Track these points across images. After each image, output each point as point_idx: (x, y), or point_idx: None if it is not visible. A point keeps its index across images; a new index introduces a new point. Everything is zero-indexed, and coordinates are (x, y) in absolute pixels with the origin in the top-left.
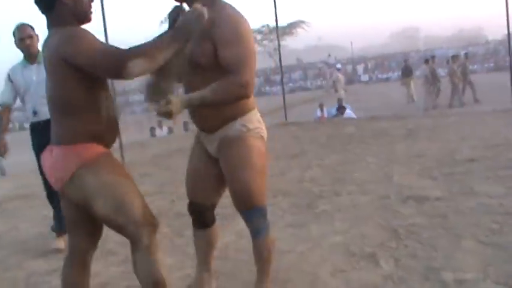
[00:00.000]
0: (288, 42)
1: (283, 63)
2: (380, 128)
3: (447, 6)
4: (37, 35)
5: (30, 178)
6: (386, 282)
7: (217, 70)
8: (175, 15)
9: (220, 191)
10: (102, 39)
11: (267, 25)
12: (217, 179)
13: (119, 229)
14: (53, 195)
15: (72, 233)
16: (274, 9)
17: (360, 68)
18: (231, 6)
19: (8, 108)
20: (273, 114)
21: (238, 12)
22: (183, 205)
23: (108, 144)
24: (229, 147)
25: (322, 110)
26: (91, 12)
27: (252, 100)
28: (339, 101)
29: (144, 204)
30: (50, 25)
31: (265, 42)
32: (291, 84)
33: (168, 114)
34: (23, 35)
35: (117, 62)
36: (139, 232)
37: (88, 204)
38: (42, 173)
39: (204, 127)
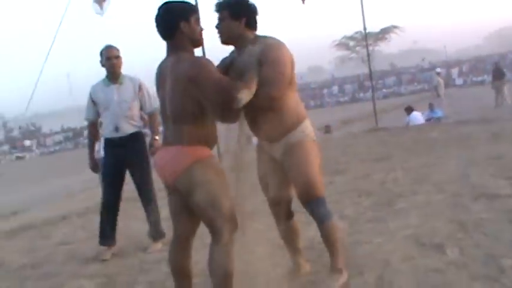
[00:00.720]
0: (382, 47)
1: (377, 69)
2: (464, 131)
3: None
4: (121, 57)
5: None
6: (449, 267)
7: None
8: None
9: (290, 185)
10: None
11: (360, 31)
12: (284, 176)
13: (209, 221)
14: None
15: (176, 222)
16: (362, 15)
17: (455, 72)
18: (271, 36)
19: (94, 124)
20: (364, 120)
21: (278, 40)
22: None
23: (211, 147)
24: (293, 150)
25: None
26: (202, 39)
27: (304, 111)
28: (430, 105)
29: (232, 206)
30: (170, 50)
31: (358, 48)
32: (384, 90)
33: None
34: (110, 55)
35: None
36: (224, 227)
37: (191, 193)
38: (112, 184)
39: (270, 138)
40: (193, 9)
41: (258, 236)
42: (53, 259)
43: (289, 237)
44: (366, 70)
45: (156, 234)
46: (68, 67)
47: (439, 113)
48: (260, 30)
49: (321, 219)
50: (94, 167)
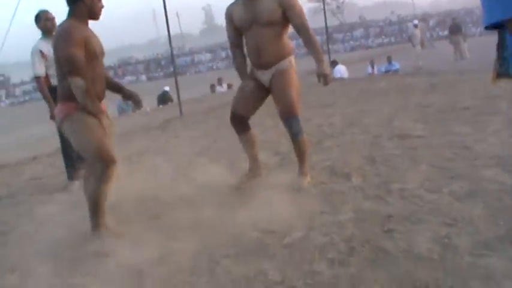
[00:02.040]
0: (356, 0)
1: (347, 21)
2: (407, 82)
3: None
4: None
5: None
6: (350, 190)
7: (279, 24)
8: None
9: (256, 110)
10: None
11: None
12: (257, 101)
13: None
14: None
15: None
16: None
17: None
18: None
19: (46, 77)
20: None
21: None
22: (223, 143)
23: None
24: (281, 75)
25: (372, 67)
26: (100, 14)
27: (292, 47)
28: (388, 58)
29: (98, 148)
30: (68, 15)
31: (328, 0)
32: (352, 42)
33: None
34: (50, 16)
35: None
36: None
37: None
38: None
39: (263, 65)
40: None
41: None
42: (24, 191)
43: (248, 145)
44: (335, 22)
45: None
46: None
47: (396, 65)
48: None
49: (296, 133)
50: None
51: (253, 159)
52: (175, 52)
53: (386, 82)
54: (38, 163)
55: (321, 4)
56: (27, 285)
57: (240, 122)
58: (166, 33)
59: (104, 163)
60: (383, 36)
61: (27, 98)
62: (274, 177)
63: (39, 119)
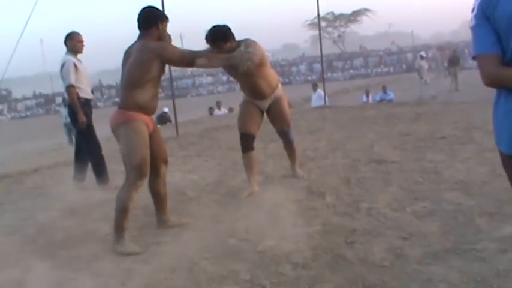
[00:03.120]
0: (356, 29)
1: (348, 50)
2: (395, 112)
3: None
4: None
5: None
6: (322, 207)
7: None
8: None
9: (259, 128)
10: None
11: (332, 12)
12: (260, 122)
13: (124, 164)
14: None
15: None
16: None
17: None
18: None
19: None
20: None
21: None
22: (213, 162)
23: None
24: (278, 101)
25: (367, 96)
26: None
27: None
28: (383, 87)
29: (142, 160)
30: (140, 38)
31: (329, 29)
32: (351, 71)
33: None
34: (82, 39)
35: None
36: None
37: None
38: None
39: (261, 97)
40: (167, 18)
41: None
42: (27, 198)
43: (249, 164)
44: (336, 50)
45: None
46: (42, 33)
47: (390, 95)
48: (241, 13)
49: (290, 140)
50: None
51: (253, 176)
52: (176, 74)
53: (376, 110)
54: (39, 174)
55: (322, 32)
56: (28, 279)
57: (250, 141)
58: None
59: (140, 174)
60: (382, 66)
61: (28, 113)
62: (257, 194)
63: (40, 133)
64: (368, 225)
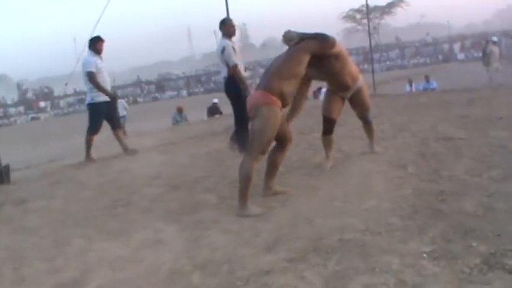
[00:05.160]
0: (389, 21)
1: (383, 42)
2: (447, 98)
3: None
4: None
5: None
6: (407, 175)
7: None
8: None
9: (340, 114)
10: None
11: (367, 5)
12: (341, 109)
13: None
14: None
15: None
16: None
17: (457, 47)
18: None
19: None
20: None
21: None
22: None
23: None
24: (359, 92)
25: (411, 85)
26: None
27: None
28: (426, 77)
29: (270, 141)
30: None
31: (364, 21)
32: (388, 63)
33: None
34: (234, 24)
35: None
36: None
37: (253, 119)
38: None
39: (346, 90)
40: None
41: None
42: (120, 179)
43: (329, 144)
44: (373, 43)
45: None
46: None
47: (433, 84)
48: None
49: (369, 122)
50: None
51: (330, 152)
52: (213, 69)
53: (427, 97)
54: (118, 159)
55: (356, 25)
56: (163, 238)
57: (331, 124)
58: (201, 50)
59: (264, 151)
60: (418, 57)
61: (71, 109)
62: (345, 166)
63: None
64: (453, 188)
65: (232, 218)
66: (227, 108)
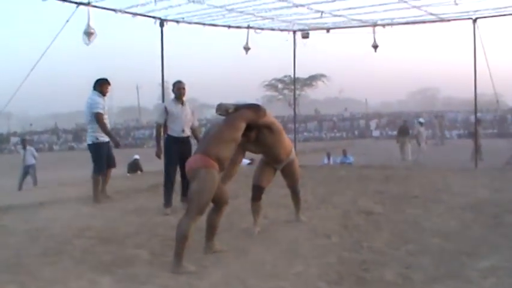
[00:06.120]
0: (309, 93)
1: (301, 113)
2: (364, 173)
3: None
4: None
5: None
6: (330, 245)
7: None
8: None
9: (269, 183)
10: None
11: (289, 76)
12: (272, 179)
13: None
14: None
15: None
16: (293, 61)
17: (373, 124)
18: None
19: (162, 125)
20: None
21: None
22: None
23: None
24: (290, 164)
25: (329, 158)
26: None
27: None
28: (344, 151)
29: (207, 203)
30: None
31: (286, 91)
32: (305, 134)
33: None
34: (182, 86)
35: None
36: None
37: (192, 181)
38: (175, 168)
39: (278, 162)
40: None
41: None
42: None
43: (257, 210)
44: (291, 112)
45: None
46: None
47: (350, 158)
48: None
49: (297, 192)
50: (159, 153)
51: (258, 218)
52: (133, 124)
53: (345, 171)
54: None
55: (277, 94)
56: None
57: (260, 192)
58: (120, 104)
59: (202, 213)
60: (335, 130)
61: (73, 144)
62: (272, 233)
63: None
64: (374, 258)
65: (167, 274)
66: (147, 164)
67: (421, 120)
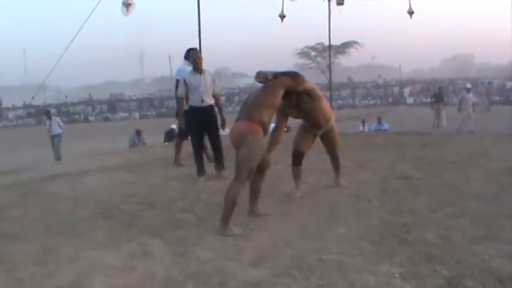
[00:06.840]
0: (342, 60)
1: (334, 80)
2: (401, 139)
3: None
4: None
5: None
6: (371, 208)
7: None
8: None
9: (309, 149)
10: None
11: (322, 43)
12: (311, 144)
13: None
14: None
15: None
16: (328, 29)
17: (406, 91)
18: None
19: (184, 99)
20: None
21: None
22: None
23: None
24: (330, 131)
25: (364, 125)
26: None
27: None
28: (378, 118)
29: (254, 167)
30: None
31: (318, 59)
32: (339, 101)
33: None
34: (198, 55)
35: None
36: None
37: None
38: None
39: (318, 128)
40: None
41: None
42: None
43: (298, 174)
44: (324, 80)
45: (220, 167)
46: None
47: (385, 125)
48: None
49: (337, 157)
50: (182, 126)
51: (299, 183)
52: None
53: (382, 138)
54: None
55: (310, 62)
56: (149, 250)
57: (300, 157)
58: (152, 74)
59: (249, 177)
60: (369, 98)
61: (19, 122)
62: (313, 197)
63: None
64: (415, 221)
65: (214, 237)
66: None
67: (468, 85)
